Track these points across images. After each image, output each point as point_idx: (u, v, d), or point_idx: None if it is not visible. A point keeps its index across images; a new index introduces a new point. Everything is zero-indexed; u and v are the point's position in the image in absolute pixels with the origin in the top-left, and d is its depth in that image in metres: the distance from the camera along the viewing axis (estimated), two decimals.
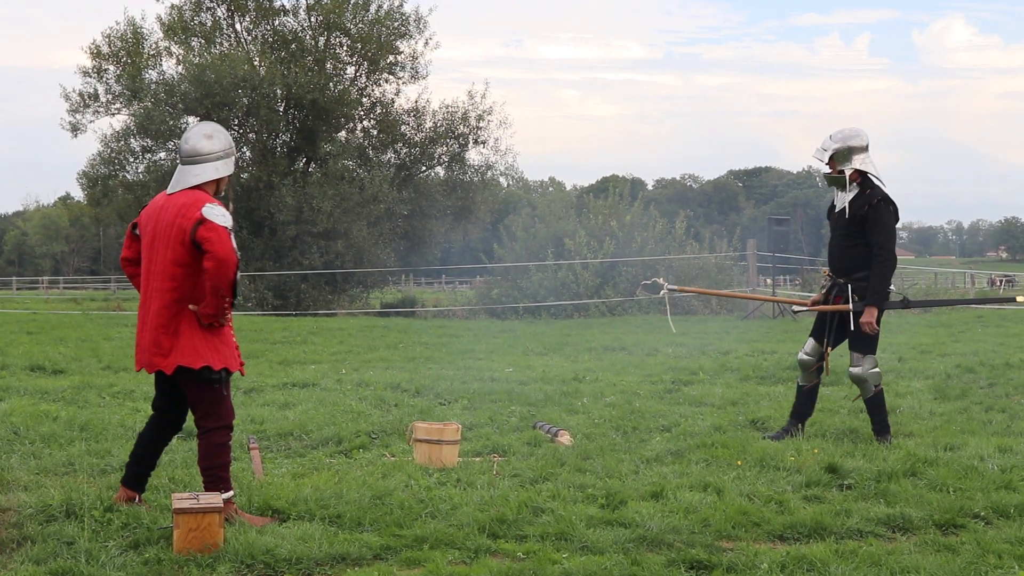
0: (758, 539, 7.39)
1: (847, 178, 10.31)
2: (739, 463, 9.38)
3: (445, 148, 47.03)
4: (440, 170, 48.17)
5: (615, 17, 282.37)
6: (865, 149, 10.32)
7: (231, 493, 7.64)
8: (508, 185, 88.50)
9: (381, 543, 7.06)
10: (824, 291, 10.64)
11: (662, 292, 11.54)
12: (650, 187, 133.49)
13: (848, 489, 8.64)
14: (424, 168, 47.70)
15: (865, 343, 10.36)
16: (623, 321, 30.25)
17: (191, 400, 7.66)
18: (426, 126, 46.86)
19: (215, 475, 7.57)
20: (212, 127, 7.77)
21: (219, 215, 7.33)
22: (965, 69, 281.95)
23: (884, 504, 8.15)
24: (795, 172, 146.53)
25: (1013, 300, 13.52)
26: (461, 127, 46.58)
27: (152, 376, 7.78)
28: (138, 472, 7.91)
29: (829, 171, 10.43)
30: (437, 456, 9.43)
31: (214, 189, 7.64)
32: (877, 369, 10.51)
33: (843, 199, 10.40)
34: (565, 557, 6.90)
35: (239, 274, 7.38)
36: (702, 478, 8.82)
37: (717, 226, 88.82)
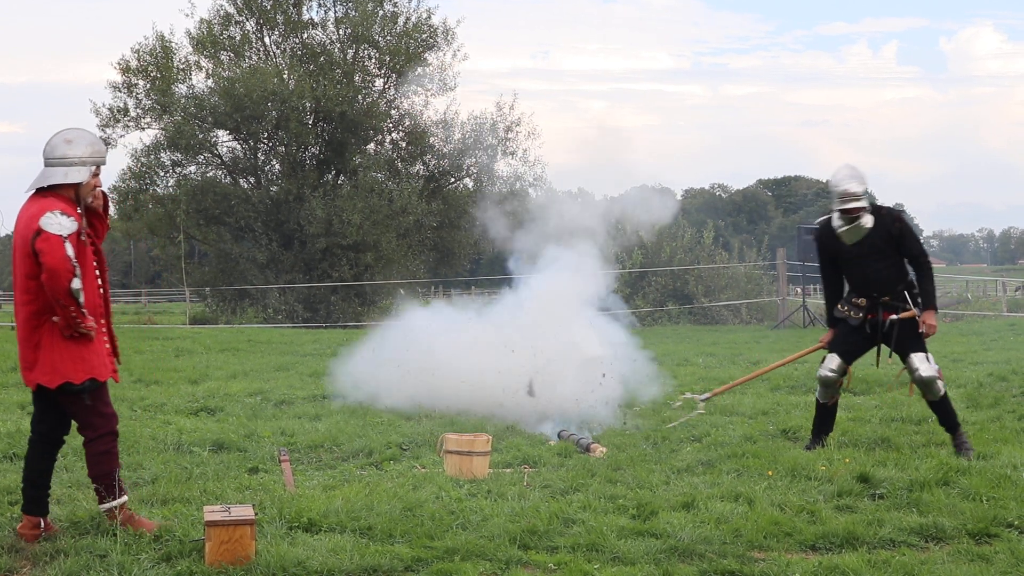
0: (790, 549, 7.37)
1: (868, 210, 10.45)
2: (770, 473, 9.35)
3: (474, 159, 47.01)
4: (469, 181, 48.15)
5: (642, 28, 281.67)
6: None
7: (124, 499, 7.60)
8: (537, 196, 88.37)
9: (412, 555, 7.06)
10: (863, 314, 10.58)
11: (698, 408, 11.58)
12: (679, 197, 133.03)
13: (880, 499, 8.61)
14: (453, 179, 47.69)
15: (922, 344, 10.47)
16: (652, 332, 30.21)
17: (69, 413, 7.63)
18: (455, 138, 46.82)
19: (105, 484, 7.53)
20: (75, 133, 7.61)
21: (55, 224, 7.17)
22: (994, 76, 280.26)
23: (917, 514, 8.12)
24: (824, 181, 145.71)
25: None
26: (490, 138, 46.56)
27: None
28: (35, 495, 7.68)
29: (850, 213, 10.44)
30: (468, 468, 9.44)
31: (73, 194, 7.48)
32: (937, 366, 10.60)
33: (859, 230, 10.42)
34: (596, 568, 6.89)
35: (77, 282, 7.17)
36: (733, 488, 8.80)
37: (746, 235, 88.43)
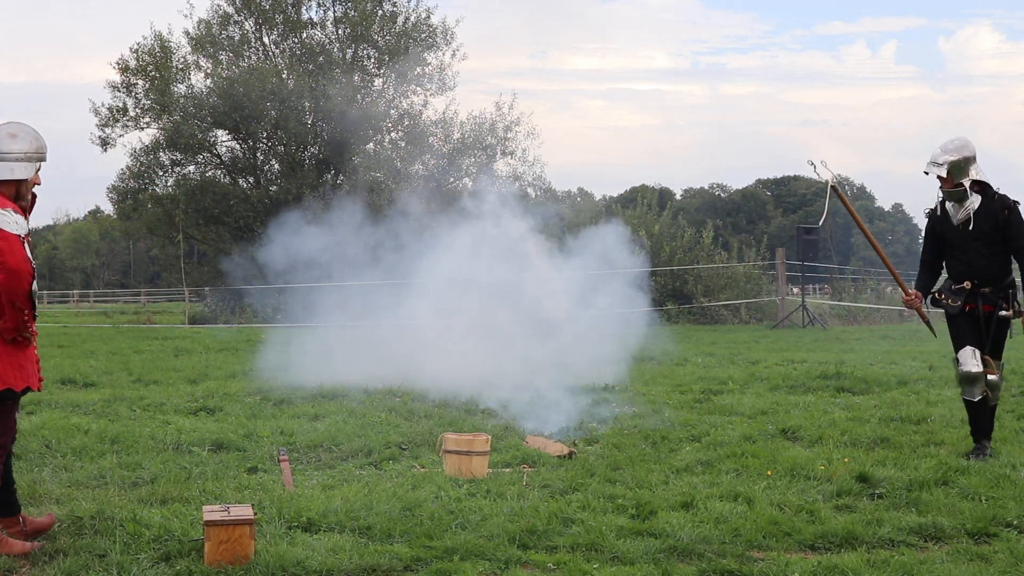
0: (789, 549, 7.36)
1: (967, 189, 10.20)
2: (769, 473, 9.34)
3: (473, 159, 47.03)
4: (468, 181, 48.16)
5: (640, 27, 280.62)
6: (975, 158, 10.24)
7: None
8: (536, 196, 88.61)
9: (411, 554, 7.05)
10: (962, 301, 10.36)
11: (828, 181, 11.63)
12: (679, 197, 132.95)
13: (879, 498, 8.60)
14: (452, 179, 47.70)
15: (1001, 350, 10.38)
16: (651, 331, 30.19)
17: None
18: (454, 137, 46.88)
19: None
20: (19, 127, 7.15)
21: (12, 223, 6.79)
22: (992, 76, 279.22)
23: (916, 513, 8.11)
24: (824, 181, 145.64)
25: None
26: (489, 138, 46.59)
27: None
28: (3, 499, 7.43)
29: (944, 186, 10.24)
30: (467, 467, 9.43)
31: (13, 192, 7.05)
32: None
33: (965, 210, 10.26)
34: (595, 568, 6.88)
35: (35, 284, 6.90)
36: (732, 488, 8.79)
37: (746, 235, 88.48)
